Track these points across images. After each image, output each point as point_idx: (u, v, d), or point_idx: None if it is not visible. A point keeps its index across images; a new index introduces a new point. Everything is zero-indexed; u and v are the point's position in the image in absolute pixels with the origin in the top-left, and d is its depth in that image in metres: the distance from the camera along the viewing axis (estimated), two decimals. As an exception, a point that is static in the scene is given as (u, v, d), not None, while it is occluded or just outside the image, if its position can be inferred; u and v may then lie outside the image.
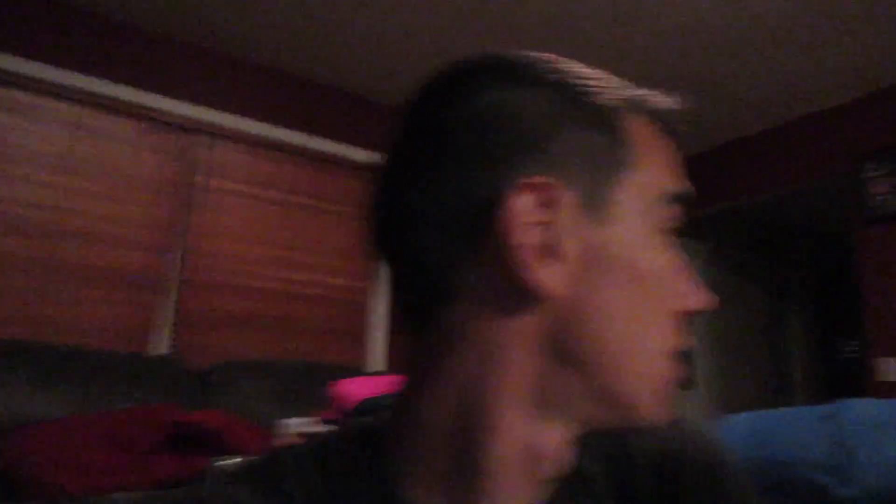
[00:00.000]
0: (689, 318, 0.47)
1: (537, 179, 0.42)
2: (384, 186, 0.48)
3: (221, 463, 1.87)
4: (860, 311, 3.59)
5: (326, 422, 1.96)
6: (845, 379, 6.06)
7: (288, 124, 3.57)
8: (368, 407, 1.84)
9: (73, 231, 2.88)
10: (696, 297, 0.48)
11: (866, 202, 3.63)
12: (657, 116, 0.48)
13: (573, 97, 0.45)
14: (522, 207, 0.42)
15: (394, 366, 3.51)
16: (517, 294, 0.42)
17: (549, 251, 0.42)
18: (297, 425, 1.98)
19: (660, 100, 0.48)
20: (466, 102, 0.45)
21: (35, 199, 2.82)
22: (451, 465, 0.45)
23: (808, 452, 0.99)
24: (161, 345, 3.01)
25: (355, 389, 1.97)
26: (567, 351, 0.43)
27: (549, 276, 0.42)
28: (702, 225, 5.25)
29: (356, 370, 3.21)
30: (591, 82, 0.46)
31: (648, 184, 0.45)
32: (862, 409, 1.01)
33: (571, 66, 0.47)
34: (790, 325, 5.92)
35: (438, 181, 0.44)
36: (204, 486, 0.50)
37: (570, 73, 0.47)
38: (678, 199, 0.48)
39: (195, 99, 3.30)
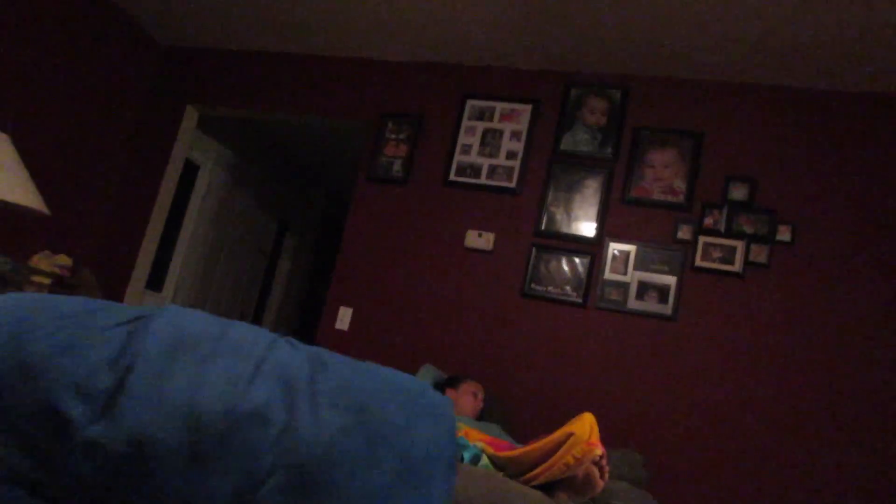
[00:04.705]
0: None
1: None
2: None
3: None
4: (337, 260, 3.70)
5: None
6: (312, 321, 6.44)
7: None
8: None
9: None
10: None
11: (376, 160, 3.74)
12: None
13: None
14: None
15: None
16: None
17: None
18: None
19: None
20: None
21: None
22: None
23: (75, 365, 0.65)
24: None
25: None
26: None
27: None
28: (229, 129, 4.92)
29: None
30: None
31: None
32: (178, 321, 0.71)
33: None
34: (285, 257, 6.01)
35: None
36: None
37: None
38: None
39: None
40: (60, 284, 3.65)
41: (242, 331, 0.71)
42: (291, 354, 0.70)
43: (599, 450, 1.58)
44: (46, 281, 3.60)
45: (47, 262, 3.64)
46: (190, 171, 4.80)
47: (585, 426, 1.60)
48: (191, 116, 4.24)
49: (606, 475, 1.64)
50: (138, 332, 0.68)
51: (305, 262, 6.22)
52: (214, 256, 5.01)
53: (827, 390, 2.90)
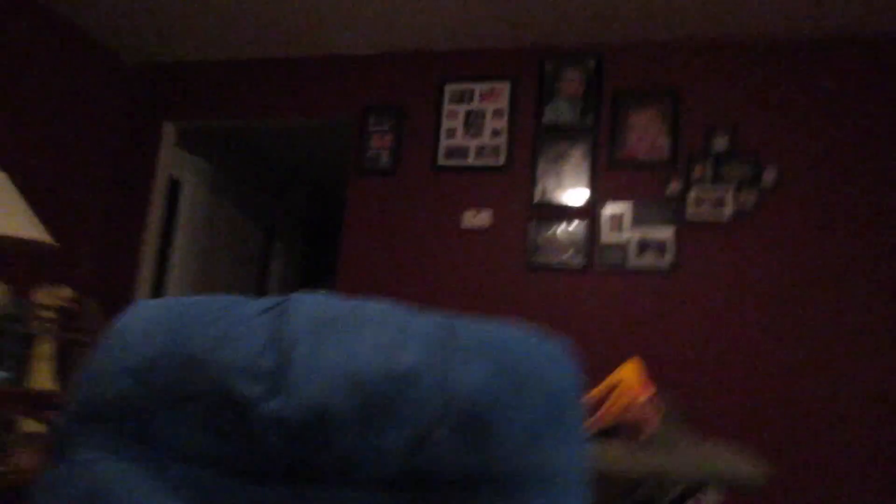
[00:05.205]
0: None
1: None
2: None
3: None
4: (338, 257, 3.74)
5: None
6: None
7: None
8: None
9: None
10: None
11: (364, 154, 3.79)
12: None
13: None
14: None
15: None
16: None
17: None
18: None
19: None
20: None
21: None
22: None
23: (236, 353, 0.71)
24: None
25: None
26: None
27: None
28: (204, 141, 4.91)
29: None
30: None
31: None
32: (313, 303, 0.77)
33: None
34: (275, 262, 6.02)
35: None
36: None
37: None
38: None
39: None
40: (66, 317, 3.64)
41: (374, 305, 0.78)
42: (425, 319, 0.77)
43: (645, 395, 1.67)
44: (53, 315, 3.59)
45: (50, 296, 3.63)
46: (172, 190, 4.79)
47: (631, 372, 1.69)
48: (169, 133, 4.23)
49: (657, 417, 1.73)
50: (281, 317, 0.74)
51: (296, 263, 6.24)
52: (207, 270, 5.01)
53: (822, 326, 3.04)
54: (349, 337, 0.73)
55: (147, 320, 0.74)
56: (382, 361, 0.70)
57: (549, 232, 3.44)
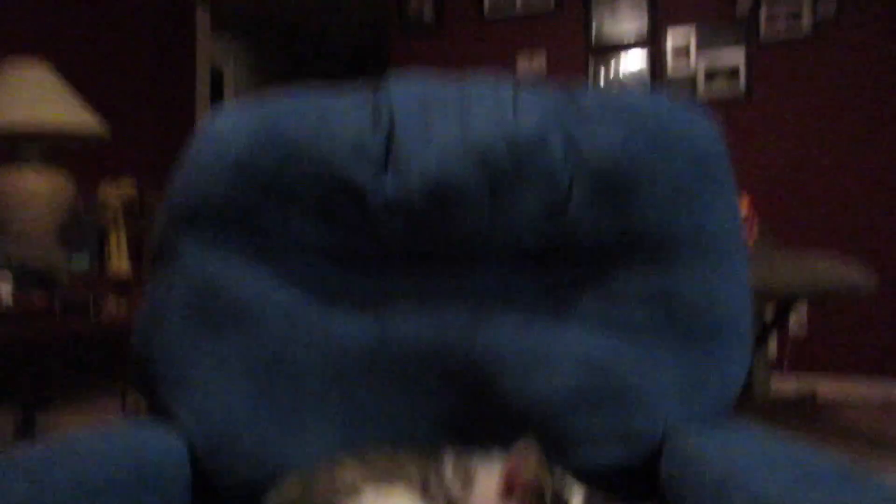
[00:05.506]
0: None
1: None
2: None
3: None
4: (389, 122, 3.63)
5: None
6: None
7: None
8: None
9: None
10: None
11: (404, 11, 3.59)
12: None
13: None
14: None
15: None
16: None
17: None
18: None
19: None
20: None
21: None
22: None
23: (339, 135, 0.64)
24: None
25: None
26: None
27: None
28: (242, 25, 4.76)
29: None
30: None
31: None
32: (414, 81, 0.69)
33: None
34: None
35: None
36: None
37: None
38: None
39: None
40: (131, 208, 3.70)
41: (478, 80, 0.69)
42: (536, 89, 0.68)
43: (743, 211, 1.58)
44: (119, 208, 3.65)
45: (114, 189, 3.67)
46: (215, 78, 4.70)
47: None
48: (204, 19, 4.09)
49: (754, 231, 1.65)
50: (380, 99, 0.67)
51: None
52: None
53: (921, 130, 2.83)
54: (459, 109, 0.65)
55: (238, 117, 0.68)
56: (501, 130, 0.63)
57: (611, 73, 3.24)
